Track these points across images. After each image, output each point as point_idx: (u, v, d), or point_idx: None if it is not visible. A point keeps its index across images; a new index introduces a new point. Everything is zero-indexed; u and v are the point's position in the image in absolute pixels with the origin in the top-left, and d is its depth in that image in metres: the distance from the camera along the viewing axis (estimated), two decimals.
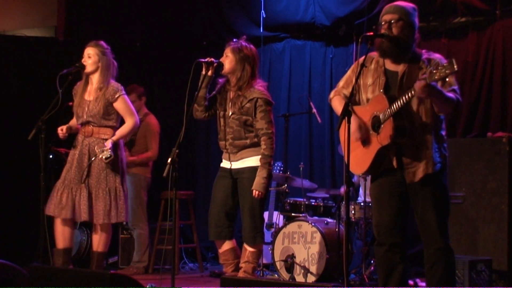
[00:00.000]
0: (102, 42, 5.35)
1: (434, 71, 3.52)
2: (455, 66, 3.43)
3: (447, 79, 3.73)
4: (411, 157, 3.80)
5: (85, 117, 5.22)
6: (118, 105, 5.26)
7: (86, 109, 5.22)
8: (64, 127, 5.24)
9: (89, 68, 5.25)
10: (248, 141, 4.79)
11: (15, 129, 7.00)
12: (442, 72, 3.49)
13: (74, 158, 5.21)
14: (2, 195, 7.12)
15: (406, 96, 3.66)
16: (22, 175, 7.09)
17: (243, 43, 4.84)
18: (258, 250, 4.88)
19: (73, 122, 5.36)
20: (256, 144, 4.79)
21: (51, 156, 6.31)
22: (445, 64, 3.49)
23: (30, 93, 7.33)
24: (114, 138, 5.21)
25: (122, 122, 5.36)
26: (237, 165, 4.84)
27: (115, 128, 5.29)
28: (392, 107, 3.71)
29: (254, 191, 4.70)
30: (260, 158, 4.73)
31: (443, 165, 3.85)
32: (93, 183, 5.16)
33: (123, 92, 5.30)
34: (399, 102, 3.69)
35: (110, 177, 5.19)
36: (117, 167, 5.24)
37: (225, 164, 4.93)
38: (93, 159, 5.15)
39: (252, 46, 4.89)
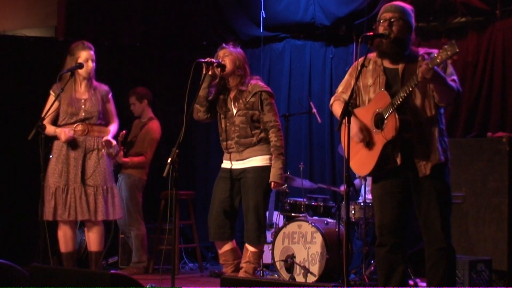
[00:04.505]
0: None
1: (435, 55, 3.51)
2: (456, 48, 3.41)
3: (447, 70, 3.74)
4: (421, 152, 3.79)
5: (83, 114, 5.23)
6: (109, 105, 5.38)
7: (83, 107, 5.25)
8: (73, 127, 5.24)
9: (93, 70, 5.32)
10: (254, 139, 4.80)
11: (15, 129, 7.00)
12: (444, 54, 3.47)
13: (70, 157, 5.22)
14: (2, 195, 7.11)
15: (408, 86, 3.66)
16: (22, 175, 7.08)
17: (236, 45, 4.98)
18: (260, 251, 4.88)
19: (51, 127, 5.29)
20: (262, 142, 4.82)
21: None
22: (446, 47, 3.47)
23: (30, 93, 7.32)
24: (110, 136, 5.31)
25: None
26: (238, 165, 4.84)
27: (106, 127, 5.37)
28: (395, 100, 3.70)
29: (272, 182, 4.77)
30: (273, 150, 4.79)
31: (445, 157, 3.85)
32: (92, 181, 5.18)
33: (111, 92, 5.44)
34: (401, 94, 3.68)
35: (105, 175, 5.26)
36: (111, 165, 5.37)
37: (225, 164, 4.93)
38: (102, 151, 5.20)
39: None
